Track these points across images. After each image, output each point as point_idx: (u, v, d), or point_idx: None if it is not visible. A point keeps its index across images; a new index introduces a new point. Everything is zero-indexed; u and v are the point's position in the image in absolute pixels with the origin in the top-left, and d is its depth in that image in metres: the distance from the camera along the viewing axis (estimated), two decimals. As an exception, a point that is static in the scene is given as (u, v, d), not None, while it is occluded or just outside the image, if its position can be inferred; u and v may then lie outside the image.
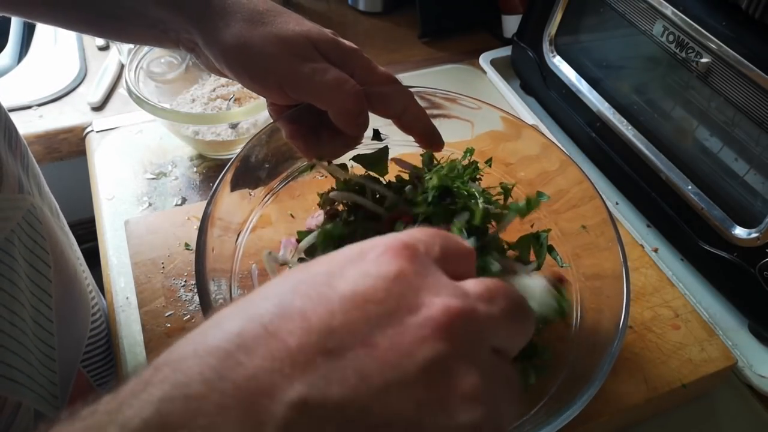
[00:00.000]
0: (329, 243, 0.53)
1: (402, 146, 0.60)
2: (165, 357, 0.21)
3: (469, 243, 0.29)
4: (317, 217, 0.59)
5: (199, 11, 0.46)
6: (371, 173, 0.58)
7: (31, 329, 0.51)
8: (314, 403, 0.20)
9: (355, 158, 0.59)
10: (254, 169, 0.56)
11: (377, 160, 0.58)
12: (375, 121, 0.53)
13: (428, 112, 0.55)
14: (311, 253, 0.54)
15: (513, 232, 0.61)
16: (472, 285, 0.25)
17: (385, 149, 0.59)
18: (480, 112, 0.59)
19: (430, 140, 0.52)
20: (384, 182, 0.57)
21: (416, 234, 0.26)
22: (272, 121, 0.55)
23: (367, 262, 0.24)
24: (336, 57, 0.47)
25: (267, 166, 0.57)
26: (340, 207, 0.58)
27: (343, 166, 0.58)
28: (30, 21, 0.58)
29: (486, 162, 0.59)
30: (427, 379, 0.21)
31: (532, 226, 0.59)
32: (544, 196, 0.56)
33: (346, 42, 0.49)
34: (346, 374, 0.20)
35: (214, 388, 0.20)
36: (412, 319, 0.22)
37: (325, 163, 0.56)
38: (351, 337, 0.21)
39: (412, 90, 0.53)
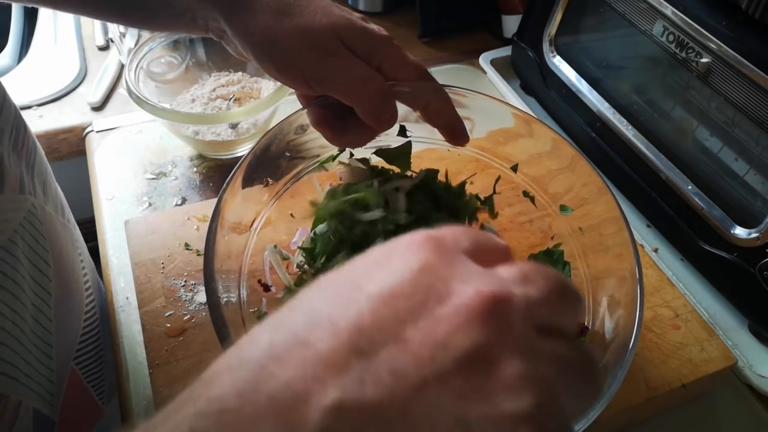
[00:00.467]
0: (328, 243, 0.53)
1: (425, 143, 0.60)
2: (200, 376, 0.21)
3: (503, 242, 0.27)
4: None
5: (228, 1, 0.46)
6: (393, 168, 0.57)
7: (32, 328, 0.51)
8: (351, 406, 0.19)
9: (378, 152, 0.58)
10: (263, 169, 0.56)
11: (400, 156, 0.58)
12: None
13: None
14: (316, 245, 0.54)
15: (520, 239, 0.61)
16: (505, 270, 0.24)
17: (408, 145, 0.58)
18: (492, 107, 0.58)
19: (454, 135, 0.51)
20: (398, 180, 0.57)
21: (443, 229, 0.25)
22: (273, 125, 0.55)
23: (393, 260, 0.23)
24: (363, 48, 0.46)
25: (277, 164, 0.57)
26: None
27: (365, 161, 0.57)
28: (57, 10, 0.58)
29: (512, 168, 0.59)
30: (465, 370, 0.20)
31: (553, 237, 0.57)
32: (568, 209, 0.56)
33: (376, 29, 0.48)
34: (381, 374, 0.20)
35: (248, 400, 0.19)
36: (444, 309, 0.21)
37: (346, 160, 0.56)
38: (382, 334, 0.21)
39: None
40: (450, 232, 0.25)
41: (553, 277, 0.24)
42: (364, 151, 0.57)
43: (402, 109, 0.50)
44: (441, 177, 0.57)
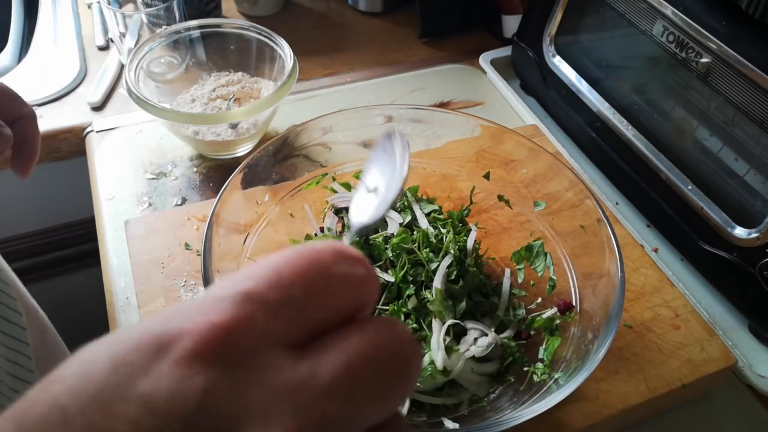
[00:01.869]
0: None
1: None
2: None
3: (359, 253, 0.21)
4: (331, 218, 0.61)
5: None
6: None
7: (9, 386, 0.48)
8: None
9: (357, 175, 0.61)
10: (261, 178, 0.57)
11: None
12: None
13: (420, 126, 0.60)
14: None
15: (502, 238, 0.62)
16: (327, 368, 0.18)
17: None
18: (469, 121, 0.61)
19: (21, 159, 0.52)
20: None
21: (256, 294, 0.18)
22: (282, 131, 0.57)
23: (162, 374, 0.17)
24: None
25: (274, 176, 0.58)
26: (338, 226, 0.59)
27: (347, 185, 0.60)
28: None
29: (484, 176, 0.60)
30: None
31: (531, 234, 0.59)
32: (541, 204, 0.58)
33: None
34: None
35: None
36: None
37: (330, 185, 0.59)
38: None
39: (404, 108, 0.58)
40: (265, 299, 0.18)
41: (383, 369, 0.19)
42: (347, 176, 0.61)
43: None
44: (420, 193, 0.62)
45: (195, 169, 0.76)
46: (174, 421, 0.16)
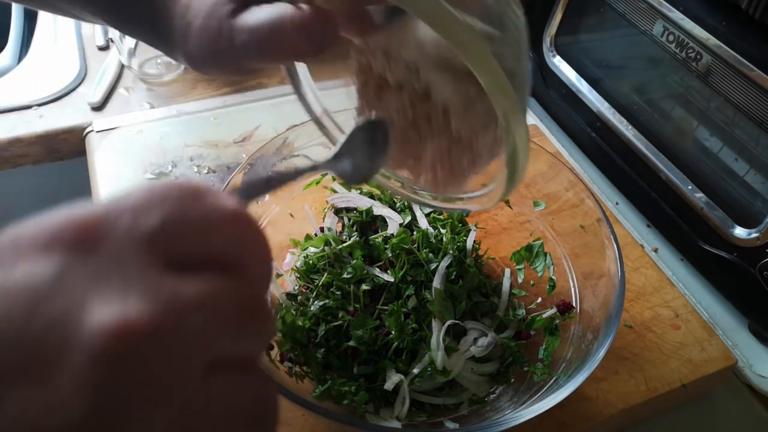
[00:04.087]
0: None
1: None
2: None
3: (233, 202, 0.20)
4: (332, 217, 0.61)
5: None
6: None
7: None
8: None
9: None
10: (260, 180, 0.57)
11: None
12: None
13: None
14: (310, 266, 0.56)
15: (502, 238, 0.62)
16: (193, 284, 0.18)
17: None
18: None
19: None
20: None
21: (127, 201, 0.18)
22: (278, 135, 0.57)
23: (13, 270, 0.16)
24: None
25: (271, 175, 0.58)
26: (338, 226, 0.59)
27: (347, 185, 0.61)
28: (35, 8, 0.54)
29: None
30: None
31: (531, 234, 0.59)
32: (541, 204, 0.58)
33: None
34: None
35: None
36: (64, 357, 0.15)
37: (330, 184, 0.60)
38: None
39: None
40: (135, 206, 0.18)
41: (243, 302, 0.19)
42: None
43: None
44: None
45: (195, 169, 0.76)
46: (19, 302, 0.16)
